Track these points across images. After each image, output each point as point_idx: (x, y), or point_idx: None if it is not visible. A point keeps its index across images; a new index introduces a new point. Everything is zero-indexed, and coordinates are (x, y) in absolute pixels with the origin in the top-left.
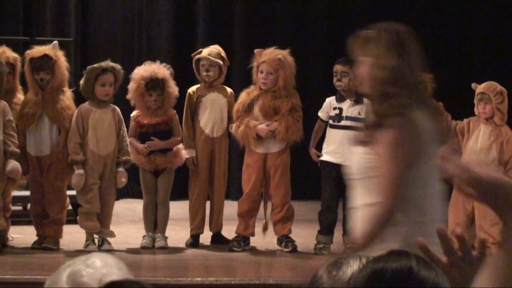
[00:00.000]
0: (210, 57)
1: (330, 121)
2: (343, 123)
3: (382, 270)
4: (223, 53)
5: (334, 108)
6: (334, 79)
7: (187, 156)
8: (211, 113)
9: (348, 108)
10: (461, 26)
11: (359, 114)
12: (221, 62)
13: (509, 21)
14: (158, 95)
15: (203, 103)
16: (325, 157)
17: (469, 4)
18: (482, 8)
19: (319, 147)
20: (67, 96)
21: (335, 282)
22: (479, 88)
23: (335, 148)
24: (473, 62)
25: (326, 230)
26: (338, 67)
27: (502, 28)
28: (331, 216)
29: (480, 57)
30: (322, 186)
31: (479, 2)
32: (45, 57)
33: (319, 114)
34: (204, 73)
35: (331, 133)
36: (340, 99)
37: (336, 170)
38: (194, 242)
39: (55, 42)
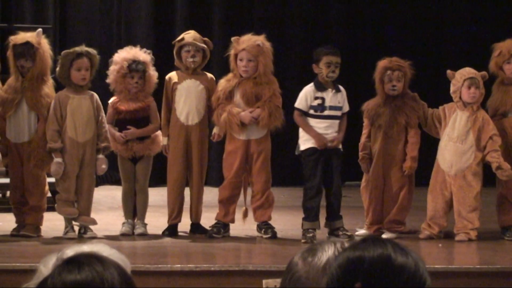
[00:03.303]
0: (196, 42)
1: (312, 111)
2: (326, 113)
3: (360, 259)
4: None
5: (316, 98)
6: (327, 70)
7: (163, 144)
8: (186, 101)
9: (331, 97)
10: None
11: (339, 102)
12: (206, 47)
13: (480, 8)
14: (139, 78)
15: (179, 90)
16: (308, 144)
17: None
18: None
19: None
20: (48, 84)
21: (311, 268)
22: (467, 73)
23: None
24: (441, 51)
25: (314, 216)
26: (332, 58)
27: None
28: (319, 202)
29: (448, 47)
30: (310, 172)
31: None
32: (27, 44)
33: (299, 106)
34: (190, 59)
35: (312, 123)
36: (321, 88)
37: (324, 156)
38: (172, 231)
39: (39, 29)
